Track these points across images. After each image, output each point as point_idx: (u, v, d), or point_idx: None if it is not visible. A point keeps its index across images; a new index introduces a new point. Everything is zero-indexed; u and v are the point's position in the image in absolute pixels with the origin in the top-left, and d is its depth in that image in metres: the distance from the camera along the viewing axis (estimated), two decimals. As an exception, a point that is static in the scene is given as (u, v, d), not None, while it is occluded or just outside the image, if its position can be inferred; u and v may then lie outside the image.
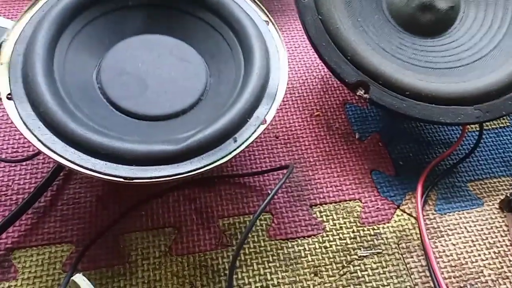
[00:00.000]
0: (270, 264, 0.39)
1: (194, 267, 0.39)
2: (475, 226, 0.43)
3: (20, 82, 0.33)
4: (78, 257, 0.37)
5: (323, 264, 0.40)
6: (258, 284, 0.38)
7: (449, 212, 0.43)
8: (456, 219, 0.43)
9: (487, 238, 0.42)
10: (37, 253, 0.38)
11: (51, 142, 0.31)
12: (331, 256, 0.40)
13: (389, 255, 0.41)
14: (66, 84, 0.35)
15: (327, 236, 0.41)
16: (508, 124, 0.51)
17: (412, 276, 0.39)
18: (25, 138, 0.43)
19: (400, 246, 0.41)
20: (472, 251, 0.41)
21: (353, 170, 0.45)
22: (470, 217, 0.43)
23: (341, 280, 0.39)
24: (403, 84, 0.42)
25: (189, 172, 0.32)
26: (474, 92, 0.42)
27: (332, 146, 0.47)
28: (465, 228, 0.43)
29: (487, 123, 0.50)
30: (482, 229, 0.43)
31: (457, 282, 0.39)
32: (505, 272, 0.40)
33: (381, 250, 0.41)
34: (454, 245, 0.41)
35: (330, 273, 0.39)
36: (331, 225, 0.42)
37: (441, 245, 0.41)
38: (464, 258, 0.41)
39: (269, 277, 0.39)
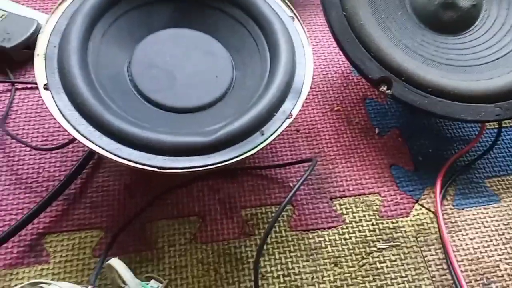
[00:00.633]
0: (291, 254, 0.41)
1: (218, 255, 0.40)
2: (492, 221, 0.44)
3: (56, 73, 0.35)
4: (109, 243, 0.39)
5: (343, 255, 0.41)
6: (280, 273, 0.39)
7: (467, 208, 0.44)
8: (474, 215, 0.44)
9: (503, 234, 0.43)
10: (68, 238, 0.40)
11: (88, 132, 0.33)
12: (350, 247, 0.41)
13: (407, 248, 0.42)
14: (99, 77, 0.36)
15: (347, 228, 0.42)
16: (526, 122, 0.51)
17: (429, 269, 0.41)
18: (60, 127, 0.45)
19: (418, 239, 0.42)
20: (488, 246, 0.42)
21: (372, 165, 0.46)
22: (487, 213, 0.44)
23: (360, 271, 0.40)
24: (425, 81, 0.42)
25: (218, 163, 0.33)
26: (495, 90, 0.43)
27: (352, 141, 0.48)
28: (482, 223, 0.43)
29: (506, 121, 0.51)
30: (499, 225, 0.43)
31: (474, 276, 0.40)
32: (521, 267, 0.41)
33: (399, 243, 0.42)
34: (471, 239, 0.42)
35: (350, 263, 0.40)
36: (351, 218, 0.43)
37: (459, 240, 0.42)
38: (481, 252, 0.42)
39: (290, 266, 0.40)
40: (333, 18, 0.44)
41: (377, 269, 0.40)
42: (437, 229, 0.43)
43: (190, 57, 0.41)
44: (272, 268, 0.40)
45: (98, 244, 0.39)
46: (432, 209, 0.44)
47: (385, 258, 0.41)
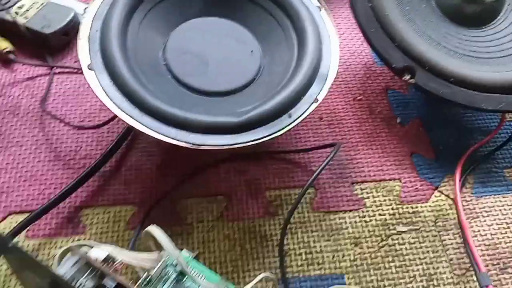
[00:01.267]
0: (313, 233, 0.42)
1: (243, 232, 0.42)
2: (510, 209, 0.45)
3: (98, 56, 0.37)
4: (144, 216, 0.41)
5: (363, 236, 0.42)
6: (302, 250, 0.41)
7: (485, 196, 0.45)
8: (492, 202, 0.45)
9: (521, 222, 0.44)
10: (103, 212, 0.42)
11: (129, 110, 0.35)
12: (370, 229, 0.43)
13: (426, 232, 0.43)
14: (137, 60, 0.39)
15: (367, 211, 0.44)
16: (547, 115, 0.52)
17: (447, 252, 0.42)
18: (96, 109, 0.48)
19: (437, 224, 0.44)
20: (506, 232, 0.43)
21: (393, 152, 0.48)
22: (506, 201, 0.45)
23: (380, 252, 0.42)
24: (448, 70, 0.44)
25: (248, 142, 0.35)
26: (516, 81, 0.44)
27: (374, 129, 0.49)
28: (500, 211, 0.45)
29: (527, 113, 0.52)
30: (517, 213, 0.45)
31: (491, 260, 0.42)
32: (538, 254, 0.42)
33: (418, 227, 0.43)
34: (489, 226, 0.44)
35: (370, 244, 0.42)
36: (371, 202, 0.45)
37: (476, 225, 0.44)
38: (498, 238, 0.43)
39: (312, 245, 0.42)
40: (359, 8, 0.46)
41: (396, 250, 0.42)
42: (455, 215, 0.44)
43: (221, 44, 0.43)
44: (295, 246, 0.42)
45: (131, 218, 0.42)
46: (451, 196, 0.45)
47: (404, 240, 0.42)
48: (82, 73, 0.51)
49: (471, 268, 0.40)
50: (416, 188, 0.46)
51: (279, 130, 0.36)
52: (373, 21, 0.45)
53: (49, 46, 0.52)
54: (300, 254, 0.41)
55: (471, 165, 0.47)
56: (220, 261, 0.40)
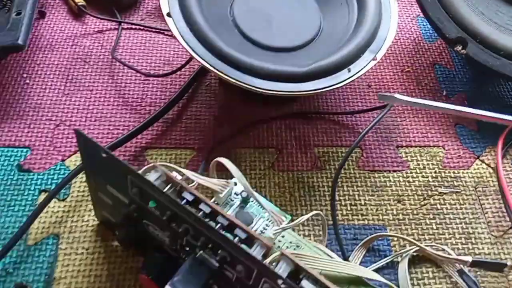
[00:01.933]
0: (358, 188, 0.45)
1: (293, 181, 0.45)
2: (549, 182, 0.46)
3: (176, 5, 0.41)
4: (206, 157, 0.45)
5: (406, 194, 0.45)
6: (348, 202, 0.44)
7: (526, 168, 0.47)
8: (532, 175, 0.47)
9: (560, 195, 0.46)
10: (166, 153, 0.46)
11: (203, 54, 0.38)
12: (413, 189, 0.45)
13: (466, 195, 0.45)
14: (209, 12, 0.42)
15: (411, 173, 0.46)
16: None
17: (486, 215, 0.44)
18: (161, 62, 0.51)
19: (477, 189, 0.46)
20: (545, 202, 0.45)
21: (438, 122, 0.50)
22: (546, 175, 0.47)
23: (421, 209, 0.44)
24: (498, 44, 0.46)
25: (311, 90, 0.38)
26: None
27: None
28: (540, 183, 0.46)
29: None
30: (556, 186, 0.46)
31: (528, 226, 0.44)
32: None
33: (459, 190, 0.45)
34: (528, 195, 0.45)
35: (412, 202, 0.44)
36: (415, 165, 0.47)
37: (516, 194, 0.45)
38: (537, 207, 0.45)
39: (357, 198, 0.44)
40: (417, -20, 0.48)
41: (437, 209, 0.44)
42: (495, 183, 0.46)
43: (284, 5, 0.46)
44: (341, 198, 0.44)
45: (191, 161, 0.45)
46: (492, 165, 0.47)
47: (445, 201, 0.45)
48: (148, 30, 0.55)
49: (509, 231, 0.42)
50: (459, 156, 0.48)
51: (339, 83, 0.39)
52: (429, -7, 0.47)
53: (119, 3, 0.56)
54: (346, 205, 0.44)
55: (513, 139, 0.49)
56: (269, 201, 0.43)
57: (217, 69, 0.38)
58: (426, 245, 0.40)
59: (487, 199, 0.45)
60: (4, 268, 0.37)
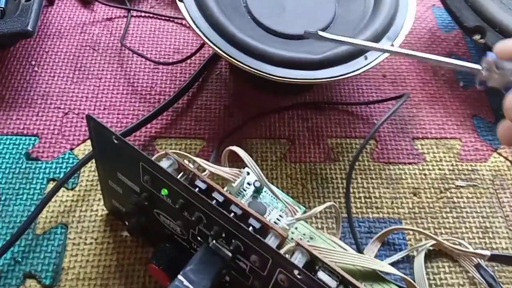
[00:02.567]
0: (373, 181, 0.44)
1: (305, 173, 0.44)
2: None
3: (188, -10, 0.40)
4: (217, 147, 0.44)
5: (422, 187, 0.44)
6: (362, 194, 0.43)
7: (546, 161, 0.46)
8: (552, 168, 0.45)
9: None
10: (175, 143, 0.45)
11: (215, 40, 0.37)
12: (430, 182, 0.44)
13: (484, 189, 0.44)
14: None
15: (427, 165, 0.45)
16: None
17: (503, 209, 0.43)
18: (170, 50, 0.50)
19: (494, 183, 0.44)
20: None
21: (455, 113, 0.49)
22: None
23: (438, 203, 0.43)
24: (518, 33, 0.44)
25: (327, 78, 0.37)
26: None
27: (437, 90, 0.50)
28: (560, 177, 0.45)
29: None
30: None
31: (548, 221, 0.42)
32: None
33: (477, 184, 0.44)
34: (548, 189, 0.44)
35: (428, 195, 0.43)
36: (431, 157, 0.46)
37: (535, 188, 0.44)
38: (557, 201, 0.43)
39: (371, 190, 0.43)
40: (435, -33, 0.46)
41: (454, 203, 0.43)
42: (514, 176, 0.45)
43: (298, -8, 0.45)
44: (355, 190, 0.43)
45: (201, 151, 0.44)
46: (510, 158, 0.46)
47: (462, 195, 0.43)
48: (158, 18, 0.54)
49: (528, 226, 0.41)
50: (476, 148, 0.46)
51: (355, 70, 0.38)
52: (448, -20, 0.46)
53: (128, -10, 0.55)
54: (360, 197, 0.43)
55: (533, 132, 0.47)
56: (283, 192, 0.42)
57: (229, 55, 0.37)
58: (443, 239, 0.39)
59: (505, 193, 0.44)
60: (13, 257, 0.37)
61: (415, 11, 0.42)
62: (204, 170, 0.33)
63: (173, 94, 0.46)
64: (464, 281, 0.39)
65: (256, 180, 0.34)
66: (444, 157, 0.46)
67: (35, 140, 0.44)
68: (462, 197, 0.43)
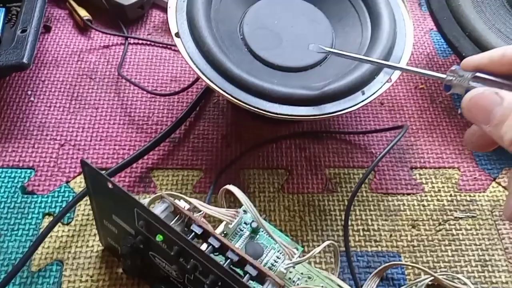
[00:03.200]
0: (371, 212, 0.44)
1: (303, 205, 0.44)
2: None
3: (185, 24, 0.39)
4: (214, 180, 0.43)
5: (421, 219, 0.43)
6: (360, 227, 0.43)
7: (545, 191, 0.46)
8: (551, 198, 0.45)
9: None
10: (172, 174, 0.45)
11: (212, 76, 0.37)
12: (428, 213, 0.44)
13: (483, 220, 0.44)
14: (219, 31, 0.41)
15: (426, 196, 0.45)
16: None
17: (503, 241, 0.42)
18: (167, 80, 0.50)
19: (493, 213, 0.44)
20: None
21: (453, 142, 0.48)
22: None
23: (437, 235, 0.42)
24: (517, 63, 0.44)
25: (323, 114, 0.37)
26: None
27: (434, 118, 0.50)
28: (559, 207, 0.45)
29: None
30: None
31: (548, 253, 0.42)
32: None
33: (475, 215, 0.44)
34: (547, 220, 0.44)
35: (427, 227, 0.43)
36: (430, 187, 0.45)
37: (535, 219, 0.44)
38: (557, 233, 0.43)
39: (370, 223, 0.43)
40: (432, -3, 0.47)
41: (453, 235, 0.43)
42: (513, 207, 0.44)
43: (296, 23, 0.44)
44: (353, 223, 0.43)
45: (198, 182, 0.44)
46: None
47: (461, 226, 0.43)
48: (155, 45, 0.54)
49: (528, 259, 0.41)
50: (475, 178, 0.46)
51: (352, 106, 0.38)
52: (445, 10, 0.46)
53: (125, 17, 0.55)
54: (358, 230, 0.42)
55: (531, 160, 0.47)
56: (280, 231, 0.42)
57: (226, 92, 0.37)
58: (440, 275, 0.39)
59: (504, 224, 0.43)
60: (7, 297, 0.36)
61: (412, 41, 0.42)
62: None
63: (170, 124, 0.46)
64: (463, 317, 0.38)
65: (253, 221, 0.34)
66: (443, 187, 0.46)
67: (30, 173, 0.43)
68: (461, 229, 0.43)
